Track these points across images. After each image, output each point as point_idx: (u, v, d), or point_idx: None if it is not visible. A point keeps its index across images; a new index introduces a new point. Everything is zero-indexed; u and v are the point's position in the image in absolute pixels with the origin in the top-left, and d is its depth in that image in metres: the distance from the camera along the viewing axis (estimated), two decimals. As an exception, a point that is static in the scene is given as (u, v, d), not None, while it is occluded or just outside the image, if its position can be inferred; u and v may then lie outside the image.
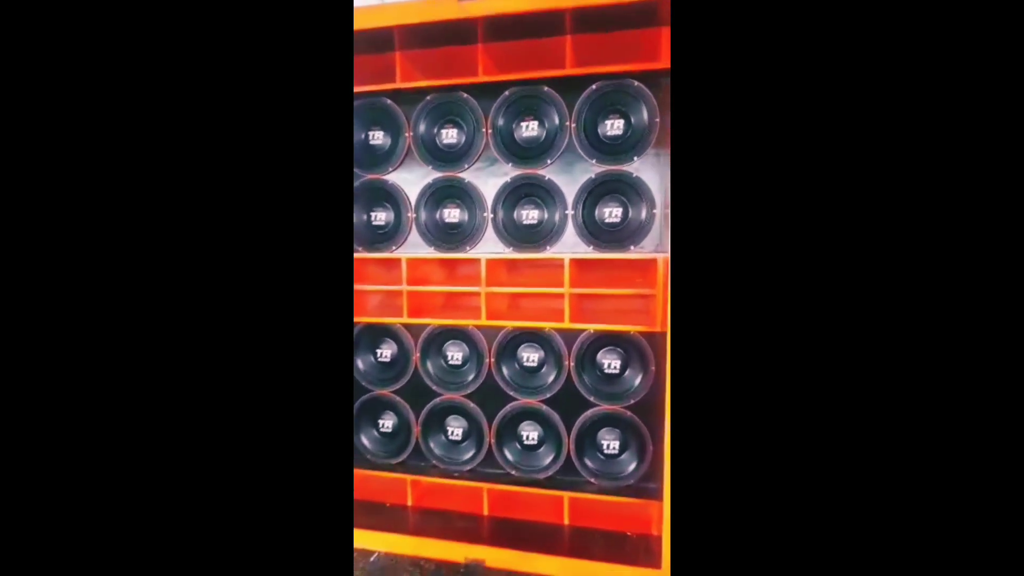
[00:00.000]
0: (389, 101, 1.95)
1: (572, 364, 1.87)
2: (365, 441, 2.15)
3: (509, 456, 2.01)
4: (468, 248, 1.93)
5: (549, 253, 1.84)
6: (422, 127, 1.94)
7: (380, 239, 2.05)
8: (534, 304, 1.96)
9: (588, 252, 1.81)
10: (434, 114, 1.94)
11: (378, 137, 2.04)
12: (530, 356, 1.98)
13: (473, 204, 1.93)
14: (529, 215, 1.90)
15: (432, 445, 2.09)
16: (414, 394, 2.07)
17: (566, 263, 1.77)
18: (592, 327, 1.80)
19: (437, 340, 2.05)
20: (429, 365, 2.07)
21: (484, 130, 1.86)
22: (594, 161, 1.77)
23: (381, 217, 2.05)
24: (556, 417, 1.93)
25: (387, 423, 2.20)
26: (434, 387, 2.05)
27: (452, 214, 1.99)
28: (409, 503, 2.09)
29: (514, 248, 1.88)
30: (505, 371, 1.97)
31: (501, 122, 1.85)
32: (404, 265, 1.96)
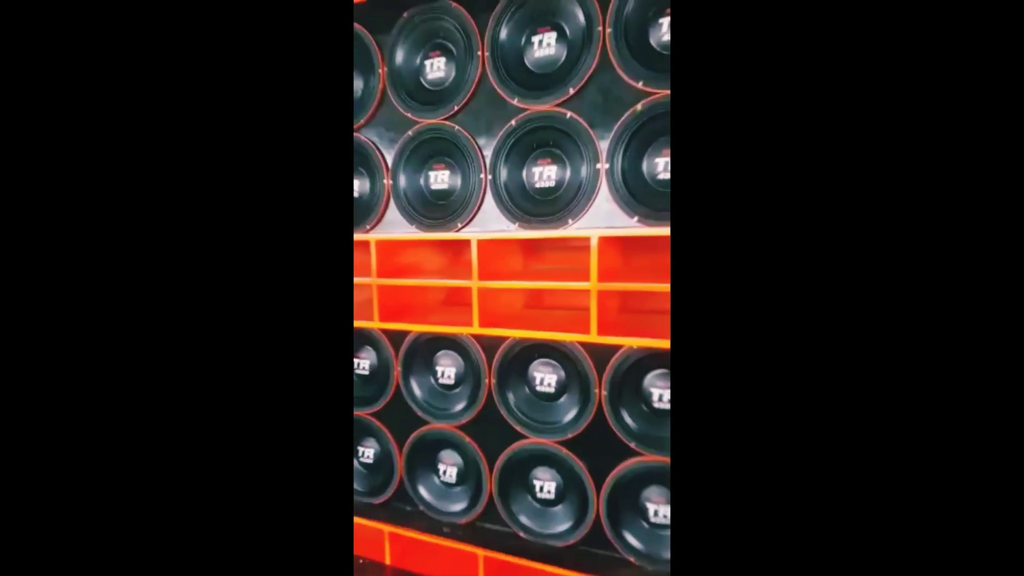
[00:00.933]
0: (357, 26, 1.43)
1: (605, 393, 1.28)
2: (338, 475, 1.67)
3: (516, 512, 1.45)
4: (459, 225, 1.38)
5: (573, 230, 1.24)
6: (400, 57, 1.41)
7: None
8: (551, 305, 1.37)
9: (630, 226, 1.19)
10: (415, 37, 1.40)
11: (347, 77, 1.53)
12: (545, 378, 1.40)
13: (466, 162, 1.37)
14: (544, 175, 1.32)
15: (420, 487, 1.58)
16: (399, 418, 1.56)
17: (593, 244, 1.17)
18: (633, 341, 1.18)
19: (424, 350, 1.53)
20: (414, 384, 1.54)
21: (479, 53, 1.29)
22: (640, 83, 1.15)
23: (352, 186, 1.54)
24: (581, 466, 1.34)
25: (368, 452, 1.71)
26: (419, 412, 1.53)
27: (440, 178, 1.44)
28: (387, 561, 1.59)
29: (522, 223, 1.30)
30: (511, 397, 1.41)
31: (504, 35, 1.27)
32: (373, 250, 1.44)
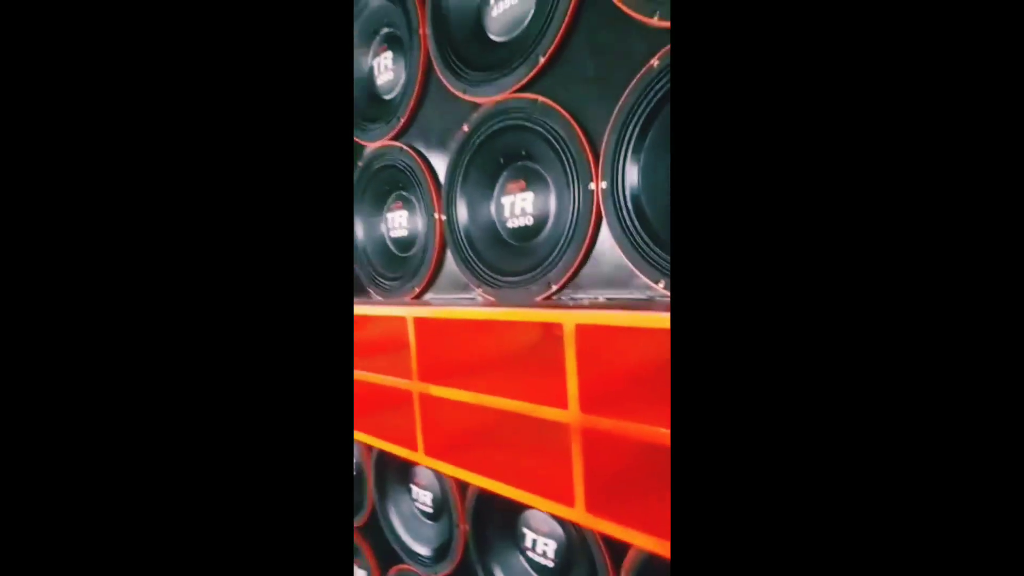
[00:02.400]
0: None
1: (626, 606, 0.68)
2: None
3: None
4: (416, 289, 0.92)
5: (539, 309, 0.70)
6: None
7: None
8: (519, 441, 0.82)
9: (646, 297, 0.61)
10: (361, 30, 1.01)
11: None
12: (542, 542, 0.84)
13: (418, 196, 0.91)
14: (516, 207, 0.79)
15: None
16: (383, 543, 1.14)
17: (567, 333, 0.60)
18: (640, 539, 0.57)
19: (400, 465, 1.09)
20: (391, 508, 1.11)
21: (420, 31, 0.84)
22: (656, 16, 0.58)
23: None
24: None
25: (357, 579, 1.32)
26: (395, 546, 1.09)
27: (398, 221, 1.01)
28: None
29: (486, 288, 0.80)
30: (495, 568, 0.88)
31: None
32: None
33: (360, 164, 1.02)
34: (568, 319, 0.59)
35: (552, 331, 0.70)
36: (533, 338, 0.76)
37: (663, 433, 0.53)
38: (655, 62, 0.58)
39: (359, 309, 0.94)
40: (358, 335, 1.03)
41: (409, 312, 0.81)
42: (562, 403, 0.61)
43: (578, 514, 0.62)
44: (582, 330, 0.59)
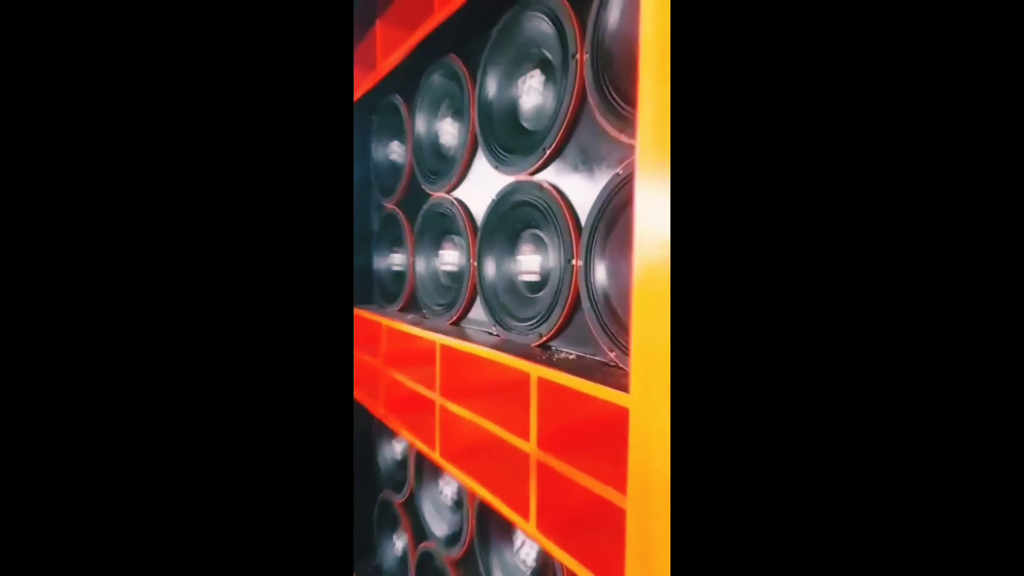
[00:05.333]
0: (398, 98, 1.35)
1: (574, 613, 0.81)
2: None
3: None
4: (453, 316, 1.12)
5: (513, 357, 0.85)
6: (420, 123, 1.25)
7: (389, 296, 1.46)
8: (504, 462, 0.97)
9: (595, 355, 0.73)
10: (428, 99, 1.22)
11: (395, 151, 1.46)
12: (524, 548, 0.99)
13: (462, 242, 1.11)
14: (528, 265, 0.95)
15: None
16: (417, 522, 1.37)
17: (532, 382, 0.75)
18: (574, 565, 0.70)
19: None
20: (424, 495, 1.33)
21: (471, 110, 1.03)
22: (623, 134, 0.70)
23: (400, 262, 1.45)
24: None
25: (399, 544, 1.57)
26: (424, 526, 1.30)
27: (448, 258, 1.21)
28: None
29: (500, 328, 0.97)
30: (493, 561, 1.05)
31: (492, 84, 0.98)
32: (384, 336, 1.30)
33: (424, 208, 1.24)
34: (533, 371, 0.74)
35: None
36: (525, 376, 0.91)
37: (602, 488, 0.65)
38: (619, 170, 0.70)
39: (409, 328, 1.16)
40: (410, 347, 1.26)
41: (438, 339, 1.00)
42: (526, 436, 0.76)
43: (531, 528, 0.76)
44: (542, 382, 0.73)
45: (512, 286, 0.98)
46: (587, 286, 0.75)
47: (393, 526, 1.58)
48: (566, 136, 0.79)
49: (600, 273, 0.74)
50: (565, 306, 0.79)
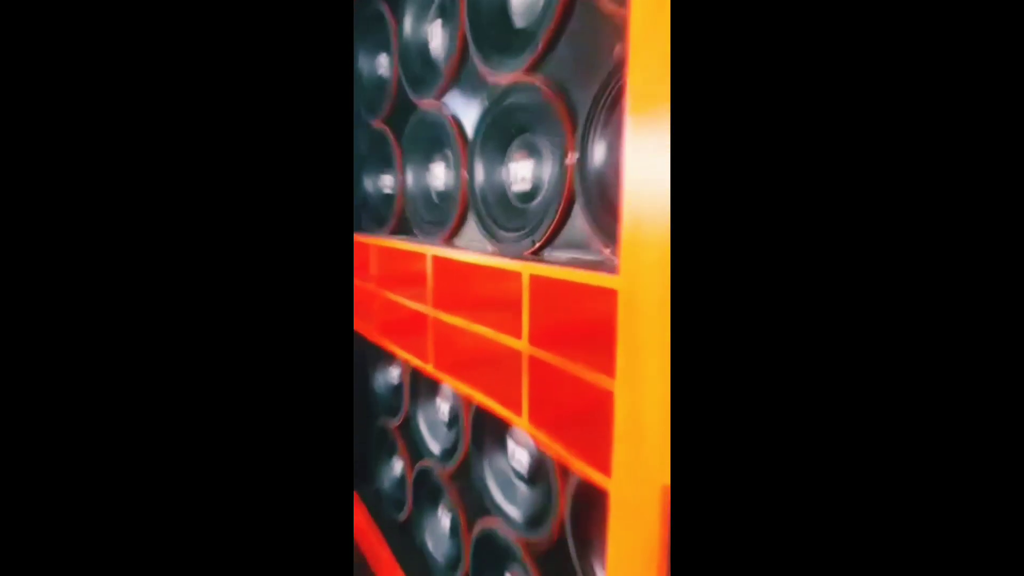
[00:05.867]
0: (383, 4, 1.26)
1: (567, 506, 0.84)
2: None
3: (489, 607, 1.13)
4: (445, 234, 1.10)
5: (501, 259, 0.83)
6: (408, 27, 1.18)
7: (379, 219, 1.43)
8: (495, 347, 0.98)
9: (589, 256, 0.72)
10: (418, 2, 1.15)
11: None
12: (517, 453, 1.02)
13: (451, 155, 1.07)
14: (520, 174, 0.92)
15: (427, 531, 1.41)
16: (413, 441, 1.41)
17: (524, 280, 0.74)
18: (574, 461, 0.72)
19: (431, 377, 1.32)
20: (420, 415, 1.36)
21: (460, 5, 0.96)
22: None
23: (388, 185, 1.41)
24: (540, 594, 0.94)
25: (396, 467, 1.62)
26: (419, 445, 1.34)
27: (439, 174, 1.18)
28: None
29: (491, 242, 0.95)
30: (486, 468, 1.08)
31: None
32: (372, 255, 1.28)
33: (412, 119, 1.19)
34: (525, 269, 0.73)
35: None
36: (517, 285, 0.90)
37: (594, 375, 0.66)
38: (618, 47, 0.66)
39: (399, 244, 1.14)
40: (403, 268, 1.24)
41: (429, 250, 0.99)
42: (518, 335, 0.76)
43: (523, 423, 0.78)
44: (534, 280, 0.72)
45: (504, 198, 0.95)
46: (582, 180, 0.73)
47: (391, 451, 1.62)
48: (559, 27, 0.75)
49: (596, 166, 0.72)
50: (558, 208, 0.77)
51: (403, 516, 1.49)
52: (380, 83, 1.39)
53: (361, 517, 1.63)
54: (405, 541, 1.46)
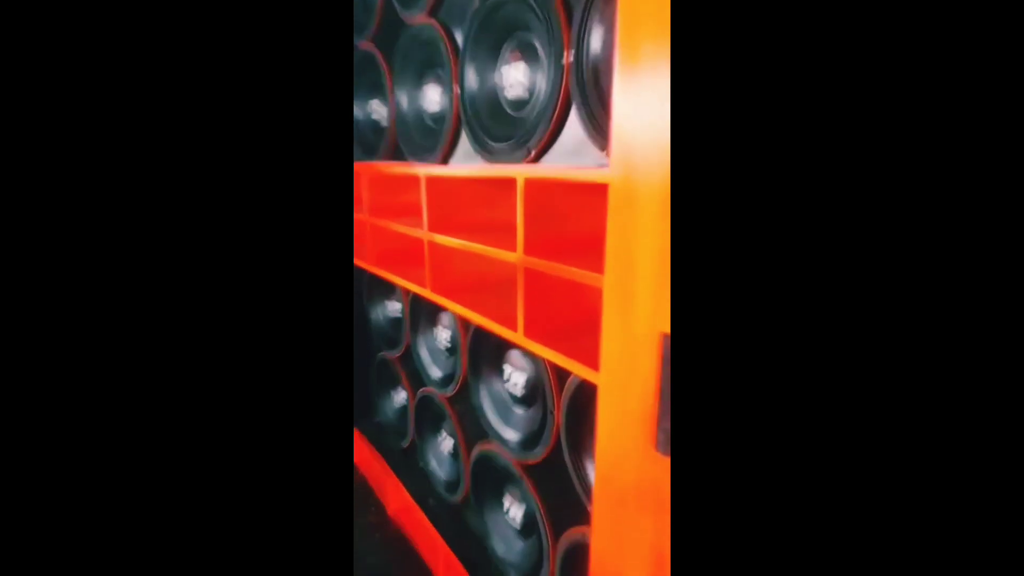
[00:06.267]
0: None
1: (561, 419, 0.85)
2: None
3: (489, 522, 1.18)
4: (440, 154, 1.06)
5: (501, 168, 0.80)
6: (393, -67, 1.09)
7: (369, 147, 1.38)
8: (490, 271, 0.97)
9: (584, 162, 0.69)
10: None
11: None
12: (513, 376, 1.03)
13: (443, 71, 1.01)
14: (513, 78, 0.87)
15: (429, 455, 1.45)
16: (414, 370, 1.43)
17: (519, 185, 0.72)
18: (566, 362, 0.71)
19: (430, 305, 1.31)
20: (420, 340, 1.36)
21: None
22: None
23: (379, 112, 1.35)
24: (537, 507, 0.97)
25: (398, 398, 1.65)
26: (420, 373, 1.36)
27: (431, 96, 1.12)
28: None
29: (484, 154, 0.91)
30: (483, 393, 1.09)
31: None
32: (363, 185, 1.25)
33: (402, 36, 1.12)
34: (520, 174, 0.70)
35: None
36: (512, 205, 0.87)
37: (585, 274, 0.64)
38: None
39: (392, 169, 1.10)
40: (397, 200, 1.21)
41: (423, 171, 0.96)
42: (513, 248, 0.74)
43: (519, 337, 0.77)
44: (529, 185, 0.70)
45: (497, 106, 0.91)
46: (578, 80, 0.69)
47: (392, 382, 1.65)
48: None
49: (592, 63, 0.67)
50: (554, 112, 0.73)
51: (406, 443, 1.53)
52: (367, 2, 1.31)
53: (364, 448, 1.68)
54: (409, 464, 1.51)
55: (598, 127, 0.68)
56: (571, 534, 0.89)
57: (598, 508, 0.60)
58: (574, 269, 0.64)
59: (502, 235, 0.84)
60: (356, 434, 1.74)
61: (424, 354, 1.35)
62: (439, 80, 1.08)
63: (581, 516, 0.87)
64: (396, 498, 1.49)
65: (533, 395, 1.00)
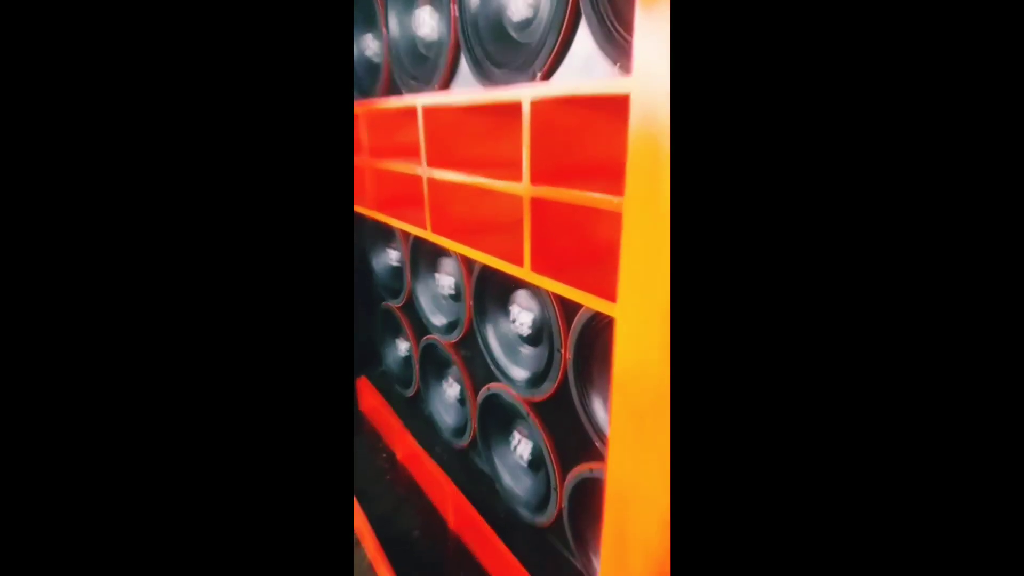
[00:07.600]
0: None
1: (569, 356, 0.84)
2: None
3: (497, 460, 1.20)
4: (436, 84, 1.00)
5: (508, 91, 0.74)
6: None
7: (363, 87, 1.30)
8: (493, 211, 0.93)
9: (595, 80, 0.64)
10: None
11: None
12: (520, 316, 1.01)
13: (439, -11, 0.94)
14: None
15: (435, 402, 1.46)
16: (416, 318, 1.41)
17: (524, 108, 0.67)
18: (575, 294, 0.69)
19: (430, 252, 1.28)
20: (419, 288, 1.34)
21: None
22: None
23: (373, 47, 1.27)
24: (544, 443, 0.98)
25: (402, 346, 1.65)
26: (423, 320, 1.34)
27: (424, 19, 1.05)
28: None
29: (485, 81, 0.85)
30: (490, 334, 1.08)
31: None
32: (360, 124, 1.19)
33: (392, -43, 1.03)
34: (526, 96, 0.65)
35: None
36: (516, 137, 0.81)
37: (600, 198, 0.61)
38: None
39: (388, 104, 1.04)
40: (395, 140, 1.16)
41: (419, 100, 0.90)
42: (519, 179, 0.70)
43: (526, 273, 0.74)
44: (536, 105, 0.65)
45: (500, 27, 0.84)
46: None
47: (395, 332, 1.64)
48: None
49: (605, -33, 0.61)
50: (562, 26, 0.68)
51: (411, 392, 1.54)
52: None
53: (372, 396, 1.69)
54: (415, 412, 1.53)
55: (611, 37, 0.62)
56: (579, 470, 0.90)
57: (615, 431, 0.60)
58: (588, 193, 0.61)
59: (506, 171, 0.80)
60: (364, 382, 1.75)
61: (426, 301, 1.33)
62: (435, 2, 1.00)
63: (589, 452, 0.87)
64: (404, 445, 1.51)
65: (539, 335, 0.98)
